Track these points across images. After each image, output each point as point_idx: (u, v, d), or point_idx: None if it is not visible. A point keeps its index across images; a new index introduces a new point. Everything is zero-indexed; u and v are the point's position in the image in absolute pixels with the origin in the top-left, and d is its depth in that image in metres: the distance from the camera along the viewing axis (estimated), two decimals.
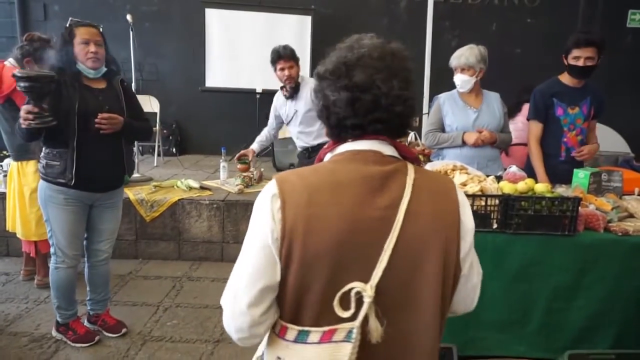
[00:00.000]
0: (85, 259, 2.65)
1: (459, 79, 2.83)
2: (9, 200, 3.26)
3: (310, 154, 3.60)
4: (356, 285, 0.88)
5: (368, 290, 0.88)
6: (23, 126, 2.21)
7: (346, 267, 0.90)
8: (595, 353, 2.14)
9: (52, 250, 2.53)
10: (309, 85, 3.34)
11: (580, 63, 2.71)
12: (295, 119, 3.58)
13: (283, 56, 3.39)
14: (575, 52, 2.71)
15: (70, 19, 2.40)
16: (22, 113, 2.19)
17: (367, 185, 0.92)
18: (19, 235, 3.26)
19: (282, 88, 3.59)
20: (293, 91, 3.53)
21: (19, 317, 2.90)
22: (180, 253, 3.87)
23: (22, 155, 3.12)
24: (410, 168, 0.98)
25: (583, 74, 2.75)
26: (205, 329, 2.84)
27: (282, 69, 3.42)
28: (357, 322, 0.88)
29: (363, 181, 0.92)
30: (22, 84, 2.16)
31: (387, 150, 0.97)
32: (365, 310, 0.88)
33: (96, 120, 2.32)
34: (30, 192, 3.11)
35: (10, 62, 3.07)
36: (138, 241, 3.85)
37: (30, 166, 3.11)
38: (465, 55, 2.77)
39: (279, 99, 3.69)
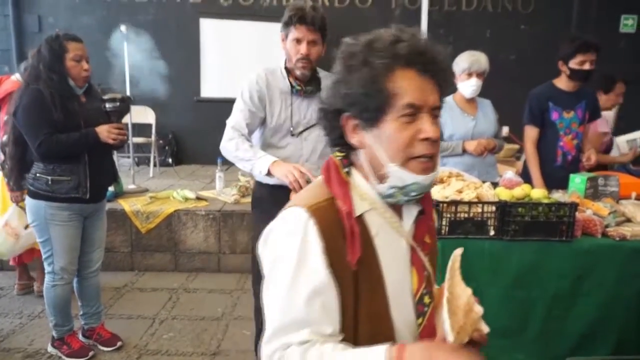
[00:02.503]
0: (52, 277, 2.51)
1: (473, 84, 2.73)
2: (5, 207, 3.20)
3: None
4: None
5: None
6: (111, 142, 2.36)
7: None
8: (595, 359, 2.12)
9: (49, 269, 2.46)
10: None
11: (587, 67, 2.72)
12: (314, 131, 2.12)
13: (308, 20, 2.00)
14: (580, 57, 2.70)
15: (57, 30, 2.40)
16: (107, 130, 2.35)
17: None
18: None
19: (287, 72, 2.12)
20: (314, 83, 2.12)
21: (12, 332, 2.86)
22: (177, 264, 3.84)
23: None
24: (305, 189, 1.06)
25: (586, 78, 2.77)
26: (202, 341, 2.80)
27: (299, 41, 2.02)
28: None
29: None
30: (108, 105, 2.42)
31: None
32: None
33: (115, 131, 2.38)
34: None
35: (16, 76, 3.11)
36: (134, 253, 3.82)
37: None
38: (481, 60, 2.73)
39: (271, 87, 2.11)
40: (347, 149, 0.94)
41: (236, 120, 2.10)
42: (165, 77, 5.73)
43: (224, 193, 4.15)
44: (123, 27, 4.43)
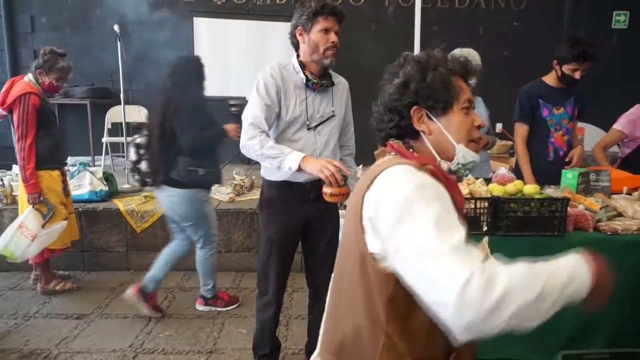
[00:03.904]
0: (207, 249, 3.02)
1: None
2: (22, 209, 3.19)
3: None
4: None
5: None
6: (236, 139, 2.55)
7: None
8: (589, 353, 2.14)
9: (204, 244, 2.97)
10: (343, 84, 2.26)
11: (577, 75, 2.72)
12: (327, 125, 2.17)
13: (337, 11, 2.06)
14: (574, 65, 2.70)
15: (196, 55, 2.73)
16: (234, 130, 2.89)
17: None
18: None
19: (302, 66, 2.13)
20: (327, 77, 2.17)
21: (7, 333, 2.86)
22: None
23: (46, 164, 3.09)
24: (388, 158, 1.09)
25: (573, 84, 2.79)
26: (198, 339, 2.81)
27: (328, 31, 2.04)
28: None
29: None
30: (235, 109, 2.94)
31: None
32: None
33: (239, 130, 2.75)
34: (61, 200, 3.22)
35: (29, 77, 3.11)
36: (129, 252, 3.82)
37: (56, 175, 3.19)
38: (476, 58, 2.73)
39: (286, 81, 2.11)
40: (405, 137, 1.12)
41: (254, 115, 2.03)
42: (159, 76, 5.72)
43: (219, 192, 4.15)
44: (116, 27, 4.42)
